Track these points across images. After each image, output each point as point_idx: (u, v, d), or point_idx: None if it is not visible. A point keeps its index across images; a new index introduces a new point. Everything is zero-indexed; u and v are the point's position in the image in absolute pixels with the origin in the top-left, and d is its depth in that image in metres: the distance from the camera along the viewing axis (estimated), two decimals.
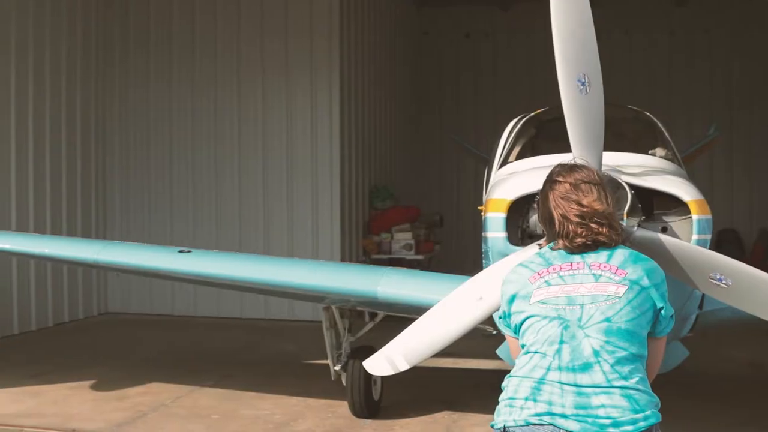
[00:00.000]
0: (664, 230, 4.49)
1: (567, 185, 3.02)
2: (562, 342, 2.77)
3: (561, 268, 2.93)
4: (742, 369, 9.34)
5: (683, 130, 14.55)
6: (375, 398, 7.20)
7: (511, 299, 2.99)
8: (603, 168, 3.96)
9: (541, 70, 17.00)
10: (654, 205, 4.58)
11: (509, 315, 3.01)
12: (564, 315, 2.81)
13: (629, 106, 7.05)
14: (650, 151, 5.95)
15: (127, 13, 13.66)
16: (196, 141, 13.36)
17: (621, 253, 2.96)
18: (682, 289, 4.18)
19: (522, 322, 2.92)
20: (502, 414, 2.85)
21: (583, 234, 2.94)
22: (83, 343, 11.16)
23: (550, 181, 3.10)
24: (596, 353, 2.73)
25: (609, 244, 2.97)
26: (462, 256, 14.15)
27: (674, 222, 4.54)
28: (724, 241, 16.06)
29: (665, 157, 5.92)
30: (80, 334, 11.79)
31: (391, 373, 4.86)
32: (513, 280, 3.03)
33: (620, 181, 4.11)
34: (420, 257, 13.56)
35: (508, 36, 18.39)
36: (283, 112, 12.98)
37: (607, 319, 2.78)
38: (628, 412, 2.70)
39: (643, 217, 4.35)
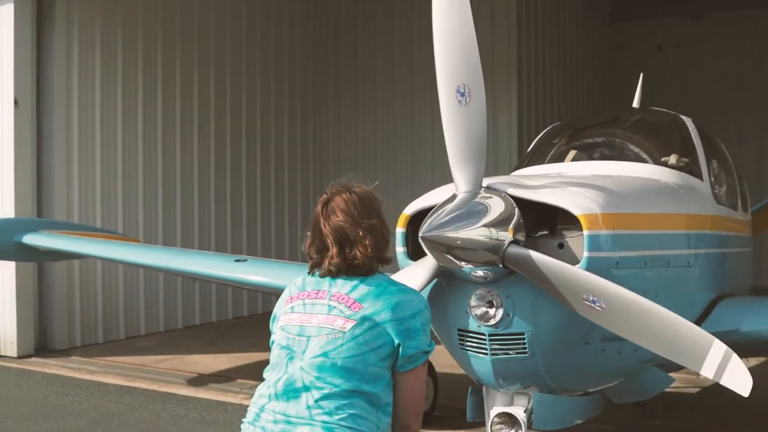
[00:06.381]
0: (560, 246, 4.16)
1: (318, 207, 2.87)
2: (285, 372, 2.76)
3: (308, 295, 2.85)
4: None
5: None
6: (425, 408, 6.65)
7: (273, 318, 2.98)
8: (490, 181, 3.94)
9: (732, 79, 17.12)
10: (557, 219, 4.21)
11: (271, 332, 2.98)
12: (292, 345, 2.79)
13: (665, 110, 6.73)
14: (663, 158, 5.68)
15: (338, 44, 15.62)
16: (397, 165, 14.99)
17: (367, 286, 2.79)
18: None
19: (271, 344, 2.92)
20: None
21: (321, 258, 2.84)
22: None
23: None
24: (306, 388, 2.71)
25: (361, 272, 2.81)
26: None
27: (572, 238, 4.13)
28: None
29: (675, 165, 5.62)
30: None
31: None
32: (281, 297, 2.99)
33: (504, 194, 3.89)
34: None
35: (699, 46, 18.22)
36: None
37: (324, 354, 2.71)
38: None
39: (546, 232, 4.17)
